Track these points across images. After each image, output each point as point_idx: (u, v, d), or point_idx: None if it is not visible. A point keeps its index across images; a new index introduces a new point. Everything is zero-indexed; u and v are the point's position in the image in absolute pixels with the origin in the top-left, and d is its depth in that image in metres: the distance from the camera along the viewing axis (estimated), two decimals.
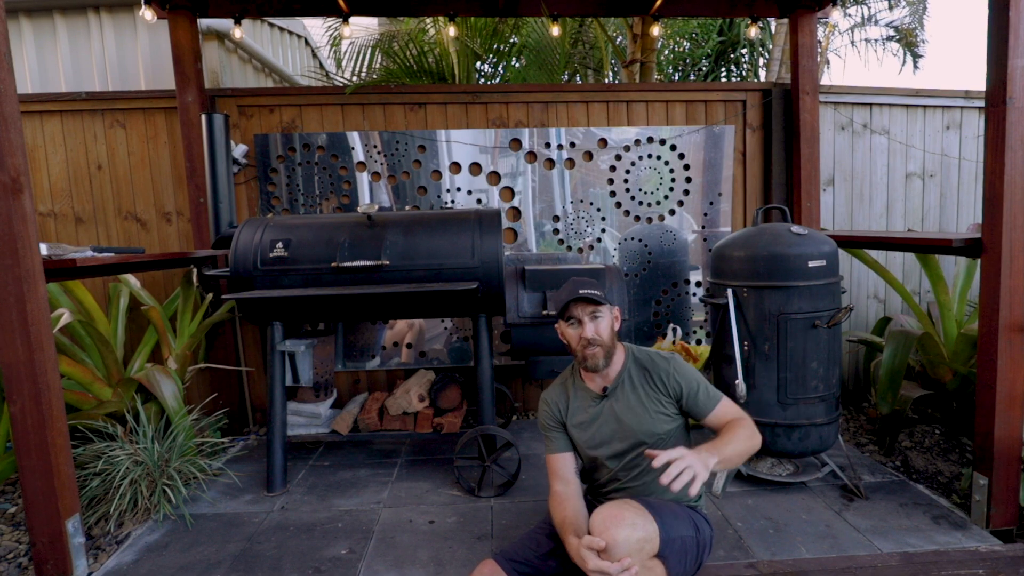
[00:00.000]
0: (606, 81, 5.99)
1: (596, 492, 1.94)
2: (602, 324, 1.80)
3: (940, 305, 3.26)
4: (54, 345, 2.12)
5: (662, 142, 3.83)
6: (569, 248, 3.87)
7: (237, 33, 3.72)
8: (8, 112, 1.96)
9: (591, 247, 3.87)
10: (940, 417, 3.26)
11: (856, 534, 2.33)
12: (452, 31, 3.78)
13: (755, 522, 2.44)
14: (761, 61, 6.76)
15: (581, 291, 1.78)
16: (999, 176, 2.17)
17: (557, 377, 2.02)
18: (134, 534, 2.48)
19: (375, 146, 3.72)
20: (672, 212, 3.88)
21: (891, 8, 7.11)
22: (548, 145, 3.79)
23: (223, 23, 3.93)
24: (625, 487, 1.85)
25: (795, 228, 2.60)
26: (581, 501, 1.81)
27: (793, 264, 2.51)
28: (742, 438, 1.64)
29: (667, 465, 1.42)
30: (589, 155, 3.81)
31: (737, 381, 2.56)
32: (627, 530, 1.48)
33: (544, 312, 2.86)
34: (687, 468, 1.41)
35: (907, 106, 4.05)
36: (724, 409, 1.78)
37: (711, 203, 3.88)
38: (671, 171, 3.85)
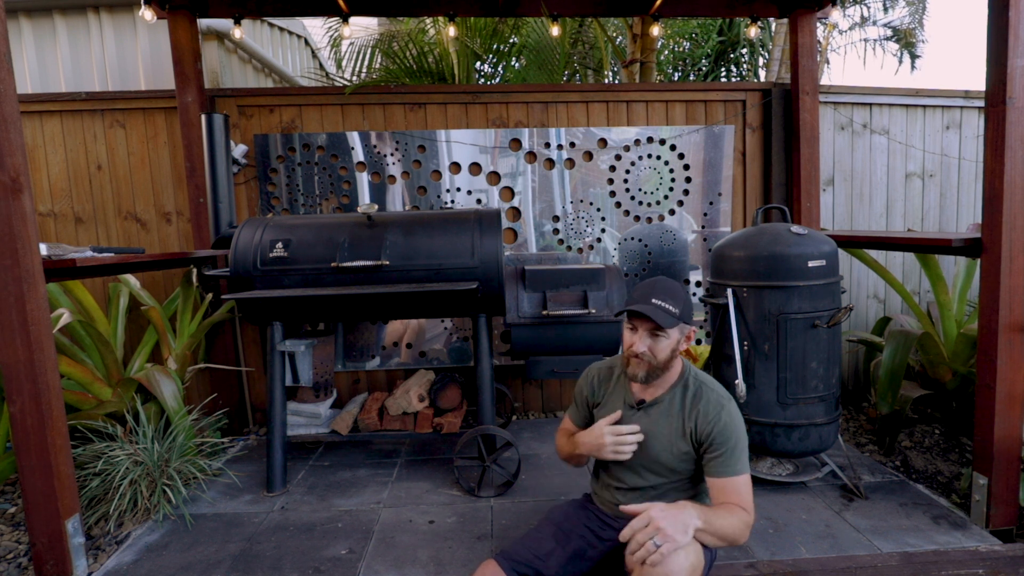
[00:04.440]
0: (606, 81, 5.99)
1: (603, 491, 1.91)
2: (660, 345, 1.65)
3: (940, 305, 3.26)
4: (54, 345, 2.12)
5: (662, 142, 3.83)
6: (569, 248, 3.87)
7: (237, 33, 3.72)
8: (8, 112, 1.96)
9: (591, 247, 3.88)
10: (940, 417, 3.26)
11: (856, 534, 2.33)
12: (452, 31, 3.78)
13: (755, 522, 2.43)
14: (761, 61, 6.77)
15: (643, 307, 1.61)
16: (999, 176, 2.17)
17: (609, 358, 1.94)
18: (134, 534, 2.48)
19: (373, 145, 3.72)
20: (672, 212, 3.88)
21: (886, 10, 7.12)
22: (548, 145, 3.79)
23: (223, 23, 3.93)
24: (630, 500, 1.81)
25: (795, 228, 2.60)
26: None
27: (793, 264, 2.51)
28: (736, 523, 1.48)
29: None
30: (589, 155, 3.81)
31: (737, 381, 2.56)
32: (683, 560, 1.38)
33: (544, 312, 2.86)
34: (660, 535, 1.31)
35: (907, 106, 4.05)
36: (736, 487, 1.57)
37: (711, 203, 3.88)
38: (671, 171, 3.85)
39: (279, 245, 2.74)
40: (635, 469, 1.78)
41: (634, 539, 1.33)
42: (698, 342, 3.95)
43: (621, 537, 1.35)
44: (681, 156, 3.84)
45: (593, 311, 2.81)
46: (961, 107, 4.11)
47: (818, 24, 3.75)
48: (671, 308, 1.64)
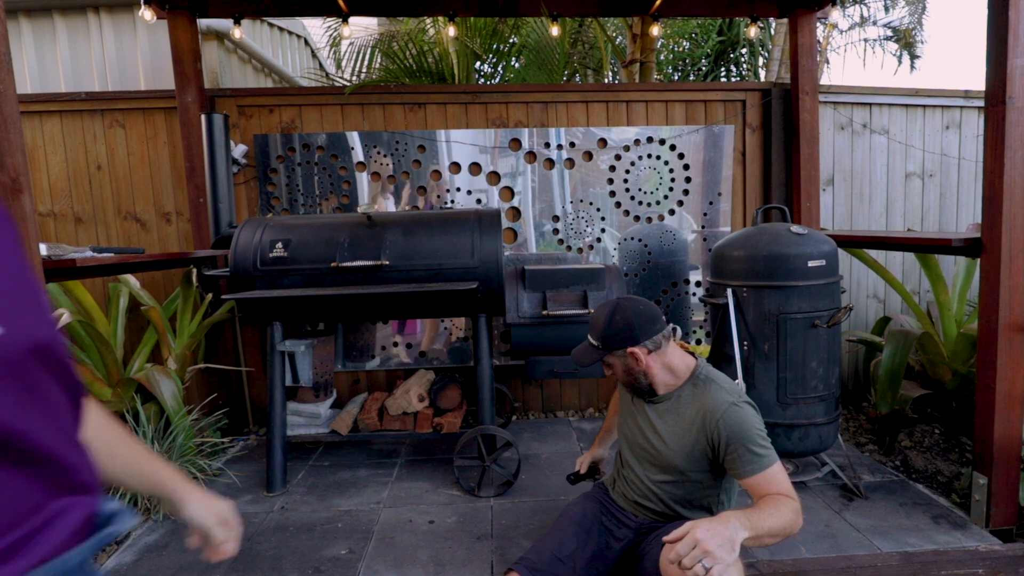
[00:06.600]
0: (606, 81, 5.99)
1: (618, 478, 1.93)
2: (615, 369, 1.76)
3: (940, 305, 3.26)
4: None
5: (662, 142, 3.83)
6: (569, 248, 3.86)
7: (237, 33, 3.72)
8: (8, 112, 1.96)
9: (591, 247, 3.87)
10: (940, 417, 3.26)
11: (856, 534, 2.33)
12: (452, 31, 3.78)
13: None
14: (761, 61, 6.77)
15: (574, 352, 1.81)
16: (999, 176, 2.18)
17: None
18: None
19: (373, 145, 3.72)
20: (672, 212, 3.88)
21: (886, 10, 7.12)
22: (548, 145, 3.79)
23: (223, 23, 3.93)
24: (639, 496, 1.83)
25: (795, 228, 2.60)
26: None
27: (793, 264, 2.51)
28: (785, 514, 1.39)
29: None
30: (589, 155, 3.81)
31: (737, 381, 2.56)
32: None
33: (544, 312, 2.86)
34: (708, 558, 1.23)
35: (907, 106, 4.05)
36: (769, 480, 1.49)
37: (711, 203, 3.88)
38: (671, 171, 3.85)
39: (279, 245, 2.74)
40: (641, 462, 1.81)
41: (681, 562, 1.26)
42: (698, 342, 3.95)
43: (670, 560, 1.28)
44: (681, 156, 3.84)
45: (593, 311, 2.81)
46: (961, 107, 4.11)
47: (818, 24, 3.75)
48: (592, 343, 1.75)
